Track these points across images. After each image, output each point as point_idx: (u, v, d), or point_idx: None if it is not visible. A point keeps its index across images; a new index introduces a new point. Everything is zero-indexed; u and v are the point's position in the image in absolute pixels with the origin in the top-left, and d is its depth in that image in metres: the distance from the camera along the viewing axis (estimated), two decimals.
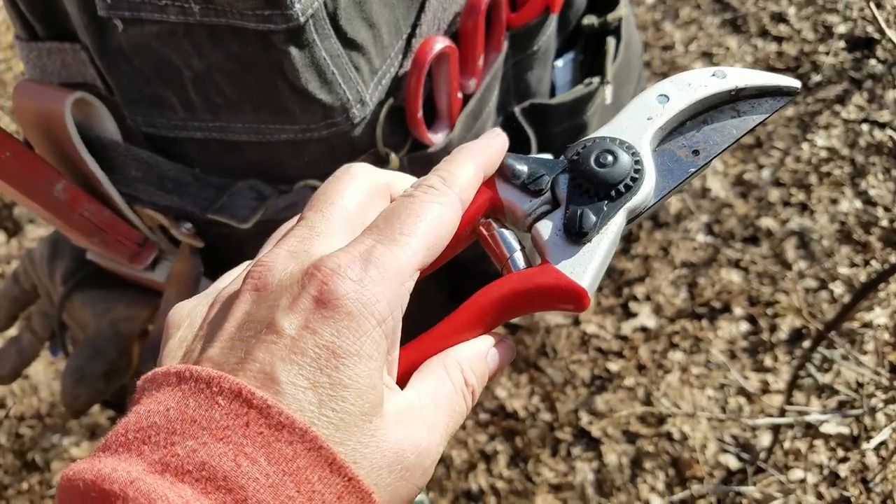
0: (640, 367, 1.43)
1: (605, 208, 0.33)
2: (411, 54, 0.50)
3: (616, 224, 0.34)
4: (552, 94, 0.68)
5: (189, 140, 0.49)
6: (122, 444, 0.24)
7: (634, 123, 0.35)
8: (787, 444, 1.25)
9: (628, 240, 1.62)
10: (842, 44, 1.81)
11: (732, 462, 1.27)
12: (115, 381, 0.57)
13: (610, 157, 0.34)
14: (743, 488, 1.09)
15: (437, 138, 0.54)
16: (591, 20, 0.65)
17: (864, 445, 1.13)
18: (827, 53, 1.79)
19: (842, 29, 1.84)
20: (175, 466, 0.23)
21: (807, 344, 1.35)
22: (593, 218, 0.33)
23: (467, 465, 1.37)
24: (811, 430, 1.21)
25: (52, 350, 0.63)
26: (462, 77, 0.54)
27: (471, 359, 0.31)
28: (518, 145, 0.64)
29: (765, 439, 1.27)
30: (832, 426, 1.23)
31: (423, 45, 0.49)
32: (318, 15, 0.42)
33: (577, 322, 1.53)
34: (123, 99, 0.48)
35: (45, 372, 1.65)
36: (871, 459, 1.21)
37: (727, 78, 0.35)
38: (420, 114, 0.51)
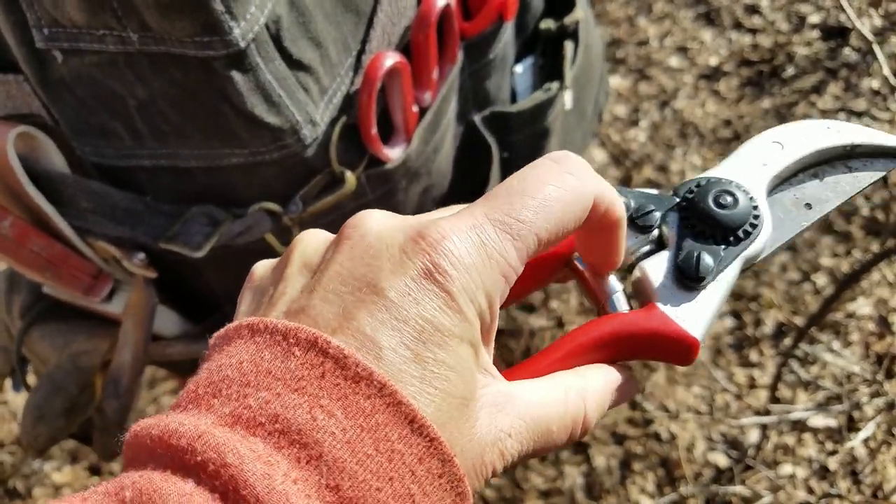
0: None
1: (723, 253, 0.31)
2: (362, 71, 0.49)
3: (732, 272, 0.31)
4: (513, 99, 0.67)
5: (139, 168, 0.48)
6: (192, 399, 0.23)
7: (749, 167, 0.33)
8: (775, 440, 1.25)
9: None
10: (815, 34, 1.81)
11: (721, 460, 1.27)
12: (76, 417, 0.55)
13: (730, 199, 0.32)
14: (731, 488, 1.08)
15: (394, 153, 0.54)
16: (548, 24, 0.65)
17: (852, 439, 1.13)
18: (801, 44, 1.80)
19: (815, 19, 1.84)
20: (247, 419, 0.22)
21: (789, 341, 1.35)
22: (711, 262, 0.31)
23: None
24: (799, 425, 1.20)
25: (15, 386, 0.62)
26: (417, 90, 0.53)
27: (597, 390, 0.28)
28: (481, 153, 0.63)
29: (753, 435, 1.26)
30: (820, 419, 1.23)
31: (373, 62, 0.48)
32: (259, 38, 0.41)
33: (560, 324, 1.53)
34: (70, 130, 0.47)
35: (23, 397, 1.63)
36: (860, 452, 1.21)
37: (842, 133, 0.34)
38: (374, 130, 0.50)
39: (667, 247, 0.32)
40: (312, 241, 0.28)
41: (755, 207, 0.32)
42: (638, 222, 0.32)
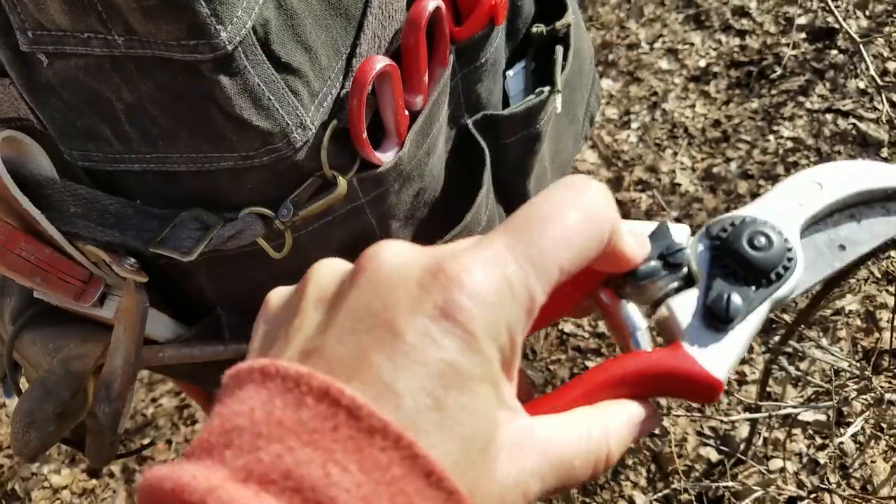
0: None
1: (753, 295, 0.31)
2: (352, 74, 0.49)
3: (761, 314, 0.31)
4: (505, 103, 0.68)
5: (128, 173, 0.48)
6: (206, 449, 0.22)
7: (785, 207, 0.33)
8: (766, 434, 1.25)
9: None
10: (803, 35, 1.83)
11: (713, 454, 1.28)
12: (68, 423, 0.55)
13: (764, 240, 0.31)
14: (722, 483, 1.09)
15: (385, 157, 0.54)
16: (539, 28, 0.65)
17: (841, 433, 1.14)
18: (789, 45, 1.81)
19: (802, 20, 1.85)
20: (259, 474, 0.21)
21: (777, 338, 1.36)
22: (741, 304, 0.30)
23: None
24: (789, 419, 1.21)
25: (5, 391, 0.61)
26: (408, 94, 0.53)
27: (620, 425, 0.28)
28: (473, 157, 0.63)
29: (744, 430, 1.27)
30: (809, 414, 1.24)
31: (363, 66, 0.48)
32: (246, 41, 0.41)
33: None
34: (57, 134, 0.47)
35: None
36: (849, 446, 1.22)
37: (884, 175, 0.33)
38: (365, 134, 0.50)
39: (695, 284, 0.31)
40: (327, 272, 0.27)
41: (789, 249, 0.31)
42: (669, 259, 0.31)
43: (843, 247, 0.33)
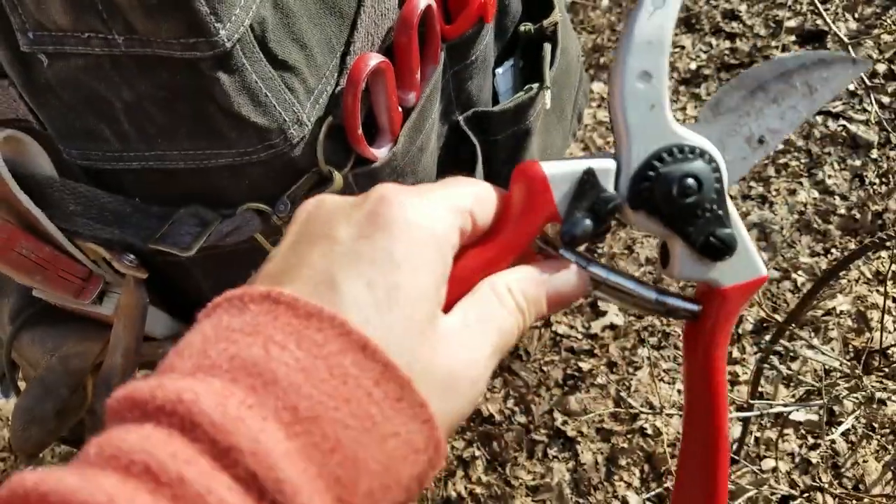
0: (612, 365, 1.44)
1: (720, 211, 0.32)
2: (347, 72, 0.50)
3: (733, 208, 0.33)
4: (495, 100, 0.69)
5: (127, 171, 0.49)
6: (159, 370, 0.24)
7: (650, 122, 0.32)
8: (758, 434, 1.26)
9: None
10: (793, 38, 1.84)
11: None
12: (67, 420, 0.56)
13: (692, 182, 0.32)
14: None
15: (380, 153, 0.55)
16: (527, 27, 0.66)
17: (833, 433, 1.15)
18: (779, 48, 1.83)
19: (792, 23, 1.87)
20: (207, 366, 0.23)
21: (768, 338, 1.37)
22: (728, 232, 0.32)
23: (445, 472, 1.37)
24: (780, 419, 1.22)
25: (3, 392, 0.62)
26: (401, 91, 0.54)
27: (522, 283, 0.30)
28: (464, 153, 0.64)
29: (736, 430, 1.28)
30: (801, 413, 1.25)
31: (357, 63, 0.49)
32: (244, 39, 0.42)
33: (548, 323, 1.54)
34: (56, 133, 0.48)
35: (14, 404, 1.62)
36: (841, 445, 1.23)
37: (666, 6, 0.33)
38: (360, 130, 0.51)
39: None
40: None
41: (715, 169, 0.32)
42: (600, 214, 0.32)
43: (762, 140, 0.34)
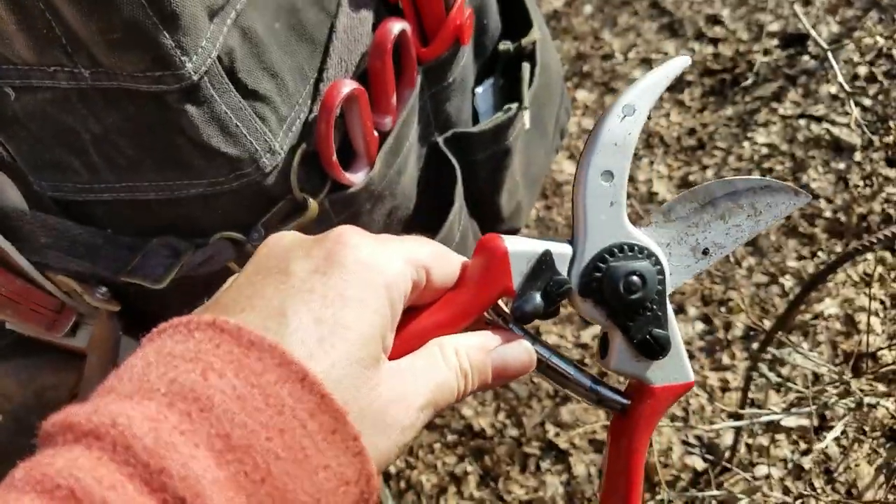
0: (602, 374, 1.43)
1: (660, 313, 0.34)
2: (320, 98, 0.49)
3: (671, 312, 0.35)
4: (475, 120, 0.68)
5: (98, 202, 0.48)
6: (98, 392, 0.24)
7: (607, 218, 0.35)
8: (749, 441, 1.26)
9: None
10: (775, 42, 1.85)
11: (699, 463, 1.28)
12: None
13: (636, 279, 0.34)
14: (708, 492, 1.09)
15: (356, 178, 0.54)
16: (506, 46, 0.66)
17: (824, 438, 1.14)
18: (761, 52, 1.83)
19: (774, 27, 1.88)
20: (146, 390, 0.23)
21: (756, 345, 1.37)
22: (664, 333, 0.34)
23: (437, 489, 1.36)
24: (772, 425, 1.22)
25: None
26: (376, 115, 0.54)
27: (469, 348, 0.31)
28: (444, 173, 0.64)
29: (728, 438, 1.28)
30: (792, 419, 1.25)
31: (330, 90, 0.48)
32: (212, 71, 0.41)
33: (538, 333, 1.54)
34: (26, 165, 0.47)
35: None
36: (833, 450, 1.23)
37: (636, 114, 0.35)
38: (334, 157, 0.51)
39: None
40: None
41: (659, 271, 0.34)
42: (552, 295, 0.34)
43: (706, 251, 0.36)
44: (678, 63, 0.36)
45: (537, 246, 0.34)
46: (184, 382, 0.23)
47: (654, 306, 0.34)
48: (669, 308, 0.35)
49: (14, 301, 0.49)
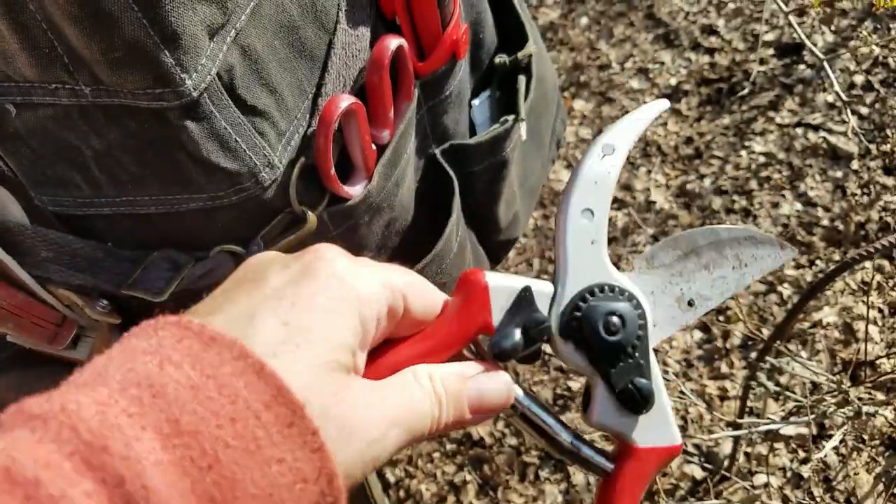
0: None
1: (643, 361, 0.33)
2: (318, 113, 0.50)
3: (656, 365, 0.33)
4: (472, 132, 0.69)
5: (98, 216, 0.49)
6: (62, 384, 0.24)
7: (587, 257, 0.34)
8: (748, 449, 1.26)
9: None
10: (771, 51, 1.86)
11: (698, 472, 1.28)
12: None
13: (616, 320, 0.33)
14: (707, 501, 1.09)
15: (354, 191, 0.55)
16: (502, 59, 0.67)
17: (823, 446, 1.14)
18: (757, 61, 1.84)
19: (770, 37, 1.89)
20: (101, 380, 0.23)
21: (755, 354, 1.37)
22: (647, 383, 0.33)
23: (437, 498, 1.36)
24: (771, 434, 1.22)
25: None
26: (374, 129, 0.54)
27: (444, 374, 0.31)
28: (442, 185, 0.64)
29: (727, 446, 1.28)
30: (791, 427, 1.25)
31: (329, 105, 0.49)
32: (212, 87, 0.42)
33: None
34: (27, 181, 0.47)
35: None
36: (832, 458, 1.23)
37: (616, 153, 0.35)
38: (333, 170, 0.51)
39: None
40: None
41: (640, 316, 0.33)
42: (531, 333, 0.33)
43: (691, 303, 0.35)
44: (657, 106, 0.37)
45: (518, 282, 0.33)
46: (140, 371, 0.23)
47: (636, 353, 0.33)
48: (654, 361, 0.33)
49: (16, 315, 0.50)
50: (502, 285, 0.33)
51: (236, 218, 0.50)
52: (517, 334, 0.32)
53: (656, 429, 0.33)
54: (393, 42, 0.51)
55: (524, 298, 0.33)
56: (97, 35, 0.37)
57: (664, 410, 0.33)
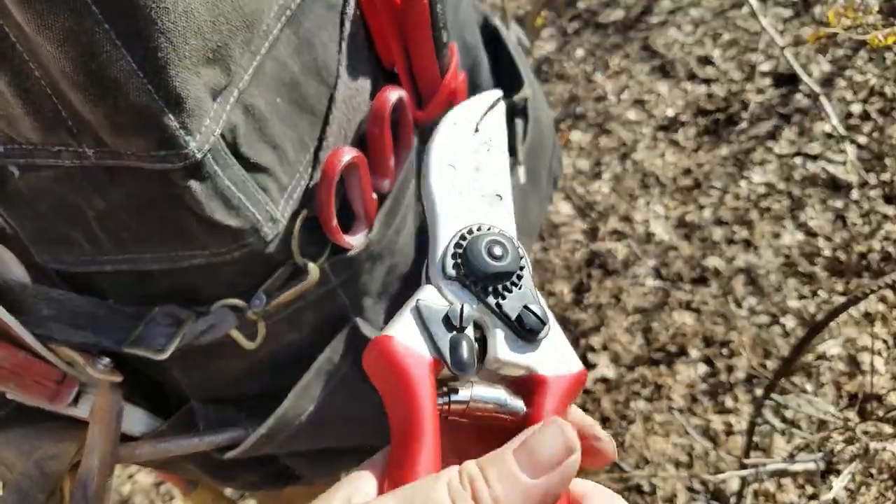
0: (605, 420, 1.42)
1: (529, 291, 0.33)
2: (320, 165, 0.50)
3: (541, 297, 0.34)
4: None
5: (100, 273, 0.48)
6: None
7: (457, 205, 0.36)
8: (756, 487, 1.25)
9: (580, 290, 1.63)
10: (767, 81, 1.88)
11: None
12: None
13: (499, 249, 0.33)
14: None
15: (356, 240, 0.54)
16: None
17: (832, 482, 1.13)
18: (754, 92, 1.86)
19: (765, 67, 1.91)
20: None
21: (760, 390, 1.36)
22: (540, 307, 0.32)
23: None
24: (778, 471, 1.20)
25: None
26: (375, 178, 0.55)
27: (495, 495, 0.26)
28: None
29: (734, 483, 1.26)
30: (799, 464, 1.24)
31: (331, 158, 0.49)
32: (215, 148, 0.42)
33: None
34: (29, 239, 0.47)
35: None
36: (841, 494, 1.21)
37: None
38: (335, 222, 0.51)
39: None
40: None
41: (521, 255, 0.34)
42: (458, 329, 0.31)
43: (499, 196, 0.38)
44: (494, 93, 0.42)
45: (406, 308, 0.32)
46: None
47: (522, 283, 0.33)
48: (540, 297, 0.33)
49: (17, 374, 0.49)
50: (400, 325, 0.31)
51: (238, 272, 0.49)
52: (460, 341, 0.31)
53: (559, 357, 0.32)
54: (393, 94, 0.51)
55: (423, 311, 0.32)
56: (102, 101, 0.37)
57: (561, 339, 0.33)
